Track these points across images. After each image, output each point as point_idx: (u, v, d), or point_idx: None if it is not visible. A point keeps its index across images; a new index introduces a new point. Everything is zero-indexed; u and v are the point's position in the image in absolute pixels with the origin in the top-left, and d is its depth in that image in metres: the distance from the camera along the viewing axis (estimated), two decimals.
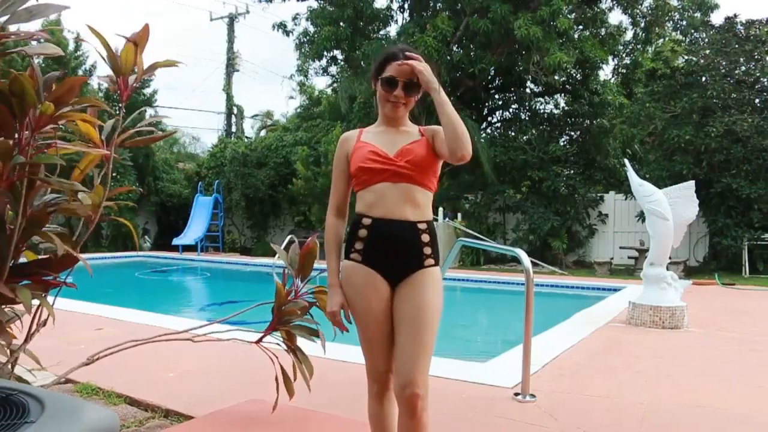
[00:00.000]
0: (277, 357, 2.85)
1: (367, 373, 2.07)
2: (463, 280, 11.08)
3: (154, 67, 2.37)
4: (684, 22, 15.06)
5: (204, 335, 2.92)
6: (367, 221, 1.98)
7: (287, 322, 2.88)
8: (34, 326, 2.34)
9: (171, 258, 15.69)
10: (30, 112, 1.94)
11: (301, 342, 3.02)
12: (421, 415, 1.90)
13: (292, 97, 29.02)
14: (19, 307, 2.15)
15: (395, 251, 1.97)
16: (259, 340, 2.94)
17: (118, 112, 2.42)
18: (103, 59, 2.26)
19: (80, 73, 16.04)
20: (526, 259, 3.51)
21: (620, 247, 13.60)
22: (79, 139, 2.43)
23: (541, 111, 16.55)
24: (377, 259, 1.98)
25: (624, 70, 16.14)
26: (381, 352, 2.00)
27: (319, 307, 2.84)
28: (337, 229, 2.10)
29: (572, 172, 14.44)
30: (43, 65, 13.60)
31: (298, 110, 21.41)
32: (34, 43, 2.00)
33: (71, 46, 16.42)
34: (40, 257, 2.34)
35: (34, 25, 1.96)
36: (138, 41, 2.26)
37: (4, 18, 1.82)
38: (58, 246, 2.02)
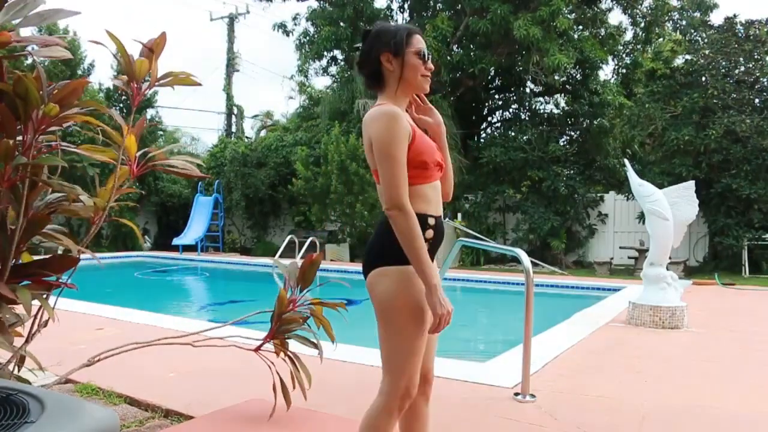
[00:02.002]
0: (274, 364, 2.85)
1: (401, 390, 1.84)
2: (463, 280, 11.08)
3: (168, 75, 2.35)
4: (684, 22, 15.07)
5: (205, 339, 2.91)
6: (432, 221, 1.86)
7: (287, 330, 2.87)
8: (35, 327, 2.34)
9: (171, 258, 15.69)
10: (33, 113, 1.94)
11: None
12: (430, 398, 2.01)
13: (291, 98, 29.01)
14: (21, 309, 2.15)
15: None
16: (258, 348, 2.92)
17: (119, 113, 2.43)
18: (119, 63, 2.26)
19: (78, 72, 16.03)
20: (526, 259, 3.51)
21: (620, 247, 13.61)
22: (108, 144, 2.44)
23: (541, 111, 16.56)
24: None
25: (624, 70, 16.15)
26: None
27: (314, 316, 2.84)
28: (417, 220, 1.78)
29: (572, 172, 14.44)
30: (49, 65, 13.67)
31: (299, 110, 21.41)
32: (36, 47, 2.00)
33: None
34: (41, 257, 2.34)
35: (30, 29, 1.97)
36: (154, 48, 2.26)
37: (16, 21, 1.82)
38: (70, 246, 2.03)
